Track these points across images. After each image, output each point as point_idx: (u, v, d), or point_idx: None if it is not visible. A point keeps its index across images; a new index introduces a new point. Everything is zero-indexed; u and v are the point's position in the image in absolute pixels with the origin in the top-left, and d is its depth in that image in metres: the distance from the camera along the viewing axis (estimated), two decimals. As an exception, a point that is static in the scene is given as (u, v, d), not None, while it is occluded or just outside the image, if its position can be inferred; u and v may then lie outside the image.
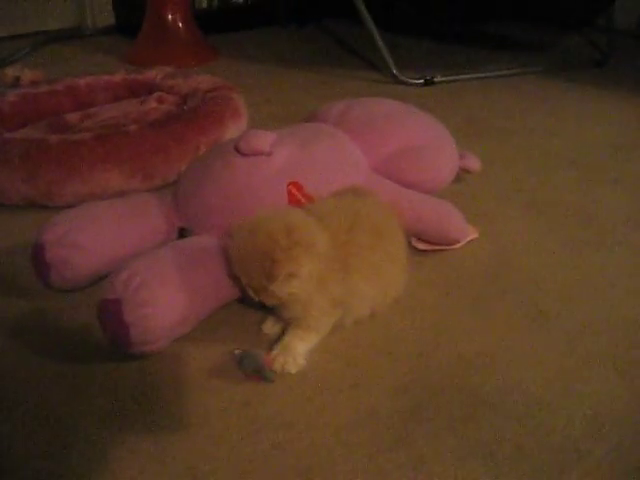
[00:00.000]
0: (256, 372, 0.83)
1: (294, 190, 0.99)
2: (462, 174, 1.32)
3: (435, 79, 2.08)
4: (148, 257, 0.88)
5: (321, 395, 0.82)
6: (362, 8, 2.08)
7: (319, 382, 0.84)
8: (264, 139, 1.01)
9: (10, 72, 1.97)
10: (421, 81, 2.07)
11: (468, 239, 1.15)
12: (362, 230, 0.89)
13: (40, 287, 0.99)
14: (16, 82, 1.94)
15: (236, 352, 0.86)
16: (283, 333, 0.90)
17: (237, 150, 1.01)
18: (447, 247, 1.13)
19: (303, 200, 0.99)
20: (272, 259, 0.79)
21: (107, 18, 2.69)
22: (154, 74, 1.71)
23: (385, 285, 0.92)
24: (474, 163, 1.27)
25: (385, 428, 0.77)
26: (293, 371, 0.85)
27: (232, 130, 1.43)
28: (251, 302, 0.87)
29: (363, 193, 0.99)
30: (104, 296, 0.84)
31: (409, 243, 1.08)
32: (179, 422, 0.77)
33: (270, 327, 0.93)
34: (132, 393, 0.81)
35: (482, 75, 2.18)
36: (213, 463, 0.72)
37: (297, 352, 0.86)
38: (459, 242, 1.13)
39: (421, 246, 1.12)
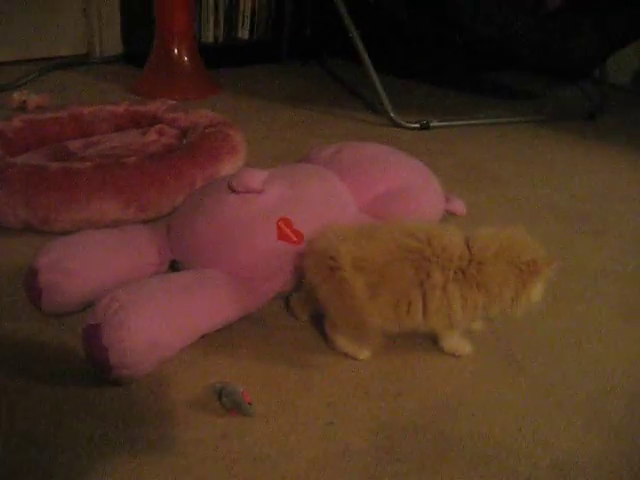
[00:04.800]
0: (235, 406, 0.85)
1: (283, 226, 1.03)
2: (448, 217, 1.35)
3: (431, 124, 2.14)
4: (131, 285, 0.92)
5: (297, 431, 0.84)
6: (362, 51, 2.14)
7: (296, 418, 0.87)
8: (256, 177, 1.05)
9: (17, 96, 2.02)
10: (417, 125, 2.13)
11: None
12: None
13: (31, 311, 1.02)
14: (22, 106, 1.99)
15: (217, 385, 0.89)
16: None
17: (230, 187, 1.05)
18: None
19: (292, 235, 1.03)
20: None
21: (115, 47, 2.75)
22: (156, 106, 1.75)
23: None
24: (459, 206, 1.30)
25: (356, 466, 0.80)
26: (468, 350, 1.02)
27: (229, 166, 1.46)
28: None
29: None
30: (87, 322, 0.87)
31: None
32: (158, 450, 0.80)
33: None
34: (114, 420, 0.84)
35: (477, 122, 2.24)
36: (187, 492, 0.74)
37: (456, 338, 1.02)
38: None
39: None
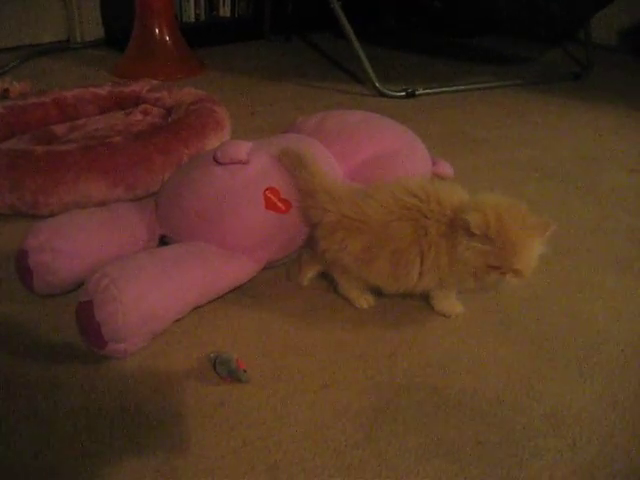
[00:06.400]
0: (230, 374, 0.86)
1: (270, 195, 1.03)
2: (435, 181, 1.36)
3: (416, 92, 2.13)
4: (121, 260, 0.92)
5: (293, 395, 0.85)
6: (344, 22, 2.13)
7: (291, 383, 0.87)
8: (240, 148, 1.05)
9: (-2, 85, 2.00)
10: (403, 94, 2.12)
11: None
12: None
13: (24, 293, 1.02)
14: (5, 94, 1.98)
15: (211, 355, 0.90)
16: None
17: (215, 159, 1.05)
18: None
19: (280, 205, 1.03)
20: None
21: (96, 31, 2.73)
22: (140, 87, 1.74)
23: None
24: (446, 169, 1.29)
25: (352, 426, 0.81)
26: (459, 311, 1.03)
27: (214, 142, 1.46)
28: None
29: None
30: (79, 299, 0.88)
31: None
32: (155, 420, 0.80)
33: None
34: (110, 393, 0.84)
35: (462, 88, 2.23)
36: (186, 459, 0.75)
37: (452, 300, 1.03)
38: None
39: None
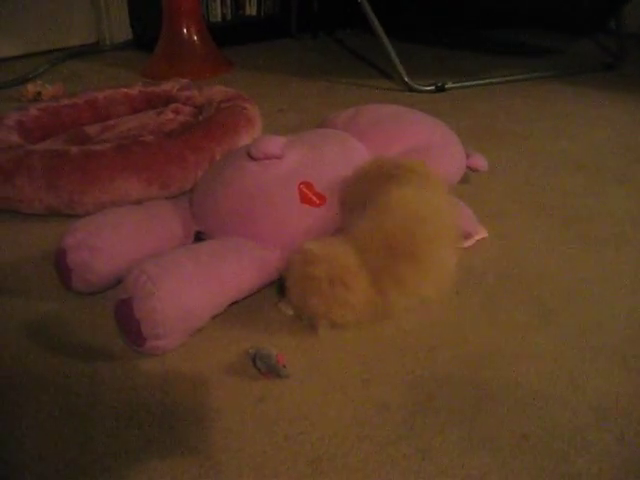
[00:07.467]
0: (270, 370, 0.86)
1: (305, 189, 1.03)
2: (470, 175, 1.34)
3: (446, 86, 2.12)
4: (158, 257, 0.92)
5: (333, 390, 0.85)
6: (373, 18, 2.12)
7: (332, 377, 0.87)
8: (275, 143, 1.05)
9: (31, 88, 2.03)
10: (432, 88, 2.11)
11: (478, 238, 1.17)
12: (405, 231, 0.92)
13: (64, 292, 1.03)
14: (38, 97, 2.00)
15: (250, 351, 0.89)
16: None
17: (249, 155, 1.05)
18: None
19: (314, 198, 1.03)
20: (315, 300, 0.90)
21: (124, 34, 2.76)
22: (170, 86, 1.76)
23: (434, 278, 0.94)
24: (481, 162, 1.28)
25: (394, 420, 0.80)
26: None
27: (246, 139, 1.46)
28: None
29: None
30: (118, 297, 0.88)
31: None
32: (195, 416, 0.80)
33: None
34: (151, 389, 0.85)
35: (493, 81, 2.21)
36: (228, 454, 0.75)
37: None
38: (469, 240, 1.15)
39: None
